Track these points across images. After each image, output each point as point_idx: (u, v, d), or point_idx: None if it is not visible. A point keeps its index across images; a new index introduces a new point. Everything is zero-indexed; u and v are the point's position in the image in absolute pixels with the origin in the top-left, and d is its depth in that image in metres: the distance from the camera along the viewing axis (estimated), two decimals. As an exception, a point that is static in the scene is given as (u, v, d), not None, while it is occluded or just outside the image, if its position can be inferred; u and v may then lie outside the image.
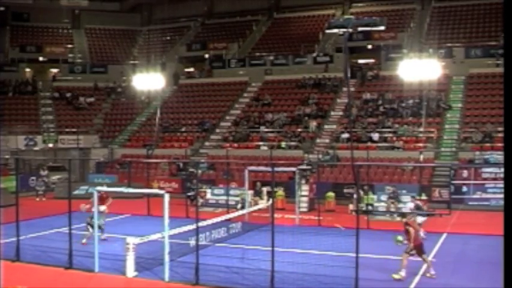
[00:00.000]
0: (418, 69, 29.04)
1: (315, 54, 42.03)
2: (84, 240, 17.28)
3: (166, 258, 13.81)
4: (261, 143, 34.06)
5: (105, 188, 18.73)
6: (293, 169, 24.00)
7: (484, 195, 25.77)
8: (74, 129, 38.44)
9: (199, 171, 28.56)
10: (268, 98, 38.72)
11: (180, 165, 32.21)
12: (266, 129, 35.35)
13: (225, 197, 25.13)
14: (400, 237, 14.17)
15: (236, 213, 20.51)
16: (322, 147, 32.47)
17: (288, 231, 18.20)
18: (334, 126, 34.36)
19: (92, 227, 17.59)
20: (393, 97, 35.34)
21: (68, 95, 42.90)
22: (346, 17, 27.28)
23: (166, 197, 13.93)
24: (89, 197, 17.33)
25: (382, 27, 23.80)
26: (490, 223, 19.94)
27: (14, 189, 19.10)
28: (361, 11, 44.19)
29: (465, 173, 26.98)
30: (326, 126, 34.85)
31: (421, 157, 28.71)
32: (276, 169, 21.09)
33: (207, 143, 36.21)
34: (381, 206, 23.94)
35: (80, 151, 36.76)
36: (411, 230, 13.99)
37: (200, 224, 14.59)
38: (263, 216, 19.28)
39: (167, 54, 48.22)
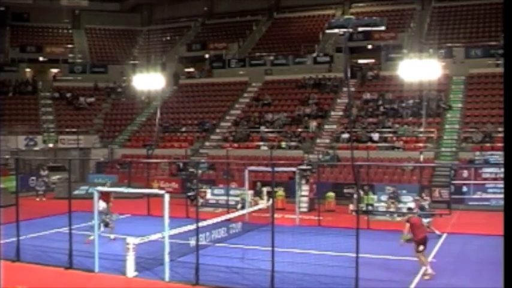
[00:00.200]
0: (418, 69, 29.04)
1: (315, 54, 42.03)
2: (112, 236, 17.54)
3: (167, 258, 13.81)
4: (261, 143, 34.06)
5: (105, 188, 18.74)
6: (293, 169, 24.01)
7: (484, 195, 25.77)
8: (74, 129, 38.43)
9: (200, 171, 28.56)
10: (269, 98, 38.72)
11: (180, 165, 32.22)
12: (266, 129, 35.34)
13: (225, 197, 25.13)
14: (408, 235, 14.18)
15: (236, 213, 20.51)
16: (322, 147, 32.46)
17: (288, 231, 18.19)
18: (335, 126, 34.36)
19: (106, 225, 17.81)
20: (393, 97, 35.34)
21: (68, 95, 42.91)
22: (346, 17, 27.23)
23: (167, 197, 13.93)
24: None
25: (382, 27, 23.76)
26: (490, 223, 19.92)
27: (14, 189, 19.10)
28: (361, 11, 44.20)
29: (465, 173, 26.97)
30: (326, 126, 34.85)
31: (421, 157, 28.70)
32: (276, 169, 21.09)
33: (207, 143, 36.21)
34: (381, 206, 23.94)
35: (80, 151, 36.74)
36: (407, 225, 14.00)
37: (200, 224, 14.59)
38: (263, 216, 19.27)
39: (167, 54, 48.24)
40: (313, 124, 34.57)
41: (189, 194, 24.93)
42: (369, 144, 31.27)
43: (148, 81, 34.76)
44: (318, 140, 33.56)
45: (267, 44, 46.29)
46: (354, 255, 12.35)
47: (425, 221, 18.47)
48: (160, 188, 27.71)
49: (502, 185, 22.41)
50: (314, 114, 35.80)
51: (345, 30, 19.85)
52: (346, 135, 31.65)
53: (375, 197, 24.43)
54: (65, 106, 42.44)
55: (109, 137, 39.68)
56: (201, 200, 22.90)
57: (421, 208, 19.43)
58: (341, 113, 35.52)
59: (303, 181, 24.97)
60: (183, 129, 38.00)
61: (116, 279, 14.02)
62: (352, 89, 35.46)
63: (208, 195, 26.81)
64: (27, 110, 41.56)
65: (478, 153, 28.41)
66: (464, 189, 26.25)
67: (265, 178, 26.56)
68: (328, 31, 27.98)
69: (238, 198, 25.09)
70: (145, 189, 24.74)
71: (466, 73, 36.11)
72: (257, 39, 47.67)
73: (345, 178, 28.83)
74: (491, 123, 30.80)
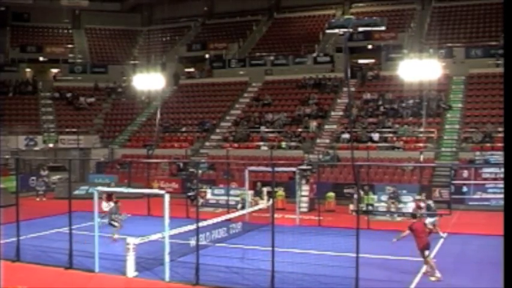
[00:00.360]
0: (419, 69, 29.05)
1: (315, 55, 42.03)
2: (115, 236, 17.66)
3: (167, 258, 13.81)
4: (261, 143, 34.05)
5: (105, 188, 18.75)
6: (293, 169, 24.02)
7: (484, 196, 25.77)
8: (74, 130, 38.45)
9: (200, 171, 28.55)
10: (269, 98, 38.72)
11: (180, 165, 32.21)
12: (266, 130, 35.34)
13: (225, 197, 25.14)
14: (401, 236, 14.20)
15: (236, 213, 20.53)
16: (323, 147, 32.46)
17: (288, 231, 18.19)
18: (335, 127, 34.36)
19: (112, 225, 17.86)
20: (393, 97, 35.34)
21: (68, 95, 42.91)
22: (346, 17, 27.19)
23: (167, 197, 13.93)
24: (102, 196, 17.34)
25: (382, 28, 23.74)
26: (490, 223, 19.92)
27: (14, 189, 19.09)
28: (361, 11, 44.21)
29: (465, 173, 26.97)
30: (326, 127, 34.84)
31: (422, 157, 28.71)
32: (276, 169, 21.07)
33: (207, 143, 36.21)
34: (381, 206, 23.97)
35: (80, 151, 36.73)
36: (407, 232, 14.03)
37: (200, 224, 14.59)
38: (263, 216, 19.27)
39: (167, 54, 48.24)
40: (313, 124, 34.57)
41: (189, 194, 24.95)
42: (369, 144, 31.27)
43: (149, 81, 34.76)
44: (318, 140, 33.55)
45: (267, 44, 46.30)
46: (354, 255, 12.35)
47: (430, 220, 18.53)
48: (160, 188, 27.71)
49: (502, 185, 22.41)
50: (314, 114, 35.81)
51: (345, 30, 19.82)
52: (346, 135, 31.65)
53: (375, 197, 24.44)
54: (65, 106, 42.44)
55: (109, 137, 39.69)
56: (201, 200, 22.90)
57: (428, 208, 19.43)
58: (341, 113, 35.52)
59: (303, 181, 24.97)
60: (183, 129, 38.00)
61: (116, 279, 14.03)
62: (352, 89, 35.47)
63: (209, 195, 26.83)
64: (27, 110, 41.57)
65: (478, 153, 28.40)
66: (465, 189, 26.25)
67: (265, 178, 26.56)
68: (328, 31, 27.94)
69: (238, 198, 25.10)
70: (145, 189, 24.74)
71: (466, 73, 36.11)
72: (257, 39, 47.67)
73: (345, 178, 28.83)
74: (491, 123, 30.79)
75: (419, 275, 13.91)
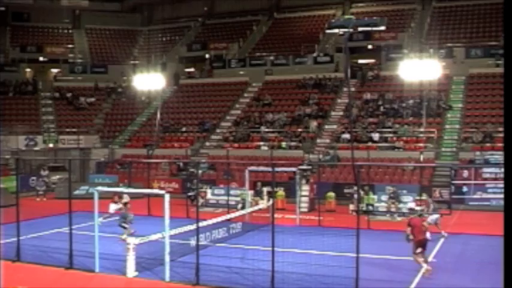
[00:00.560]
0: (419, 69, 29.07)
1: (315, 55, 42.02)
2: (123, 236, 17.57)
3: (167, 258, 13.81)
4: (261, 143, 34.05)
5: (105, 188, 18.74)
6: (293, 169, 24.03)
7: (485, 196, 25.78)
8: (74, 130, 38.46)
9: (200, 172, 28.56)
10: (269, 98, 38.72)
11: (180, 166, 32.21)
12: (266, 130, 35.34)
13: (225, 197, 25.10)
14: (410, 236, 14.26)
15: (236, 214, 20.51)
16: (323, 147, 32.46)
17: (288, 232, 18.21)
18: (335, 127, 34.35)
19: (124, 227, 17.89)
20: (394, 97, 35.34)
21: (69, 95, 42.91)
22: (346, 17, 27.32)
23: (167, 197, 13.93)
24: (103, 197, 17.26)
25: (382, 28, 23.89)
26: (490, 223, 19.92)
27: (14, 189, 19.12)
28: (361, 11, 44.27)
29: (465, 173, 26.97)
30: (326, 127, 34.84)
31: (422, 157, 28.72)
32: (277, 169, 21.08)
33: (207, 143, 36.20)
34: (382, 206, 23.96)
35: (81, 151, 36.73)
36: (408, 229, 14.11)
37: (200, 224, 14.60)
38: (263, 217, 19.26)
39: (167, 54, 48.25)
40: (314, 124, 34.57)
41: (190, 194, 24.95)
42: (369, 144, 31.27)
43: (149, 81, 34.76)
44: (318, 140, 33.55)
45: (268, 44, 46.30)
46: (354, 255, 12.36)
47: (433, 218, 18.57)
48: (160, 188, 27.68)
49: (502, 185, 22.41)
50: (314, 114, 35.80)
51: (345, 30, 19.92)
52: (346, 135, 31.63)
53: (375, 197, 24.45)
54: (65, 106, 42.44)
55: (109, 137, 39.68)
56: (201, 200, 22.92)
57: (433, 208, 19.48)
58: (341, 113, 35.52)
59: (303, 181, 24.99)
60: (184, 129, 38.00)
61: (116, 280, 14.03)
62: (353, 89, 35.47)
63: (209, 195, 26.84)
64: (28, 110, 41.57)
65: (478, 153, 28.40)
66: (465, 189, 26.26)
67: (265, 178, 26.54)
68: (328, 31, 28.10)
69: (238, 198, 25.09)
70: (145, 189, 24.74)
71: (466, 73, 36.11)
72: (257, 39, 47.67)
73: (345, 178, 28.82)
74: (491, 123, 30.80)
75: (419, 275, 13.90)
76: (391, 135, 31.95)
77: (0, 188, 25.72)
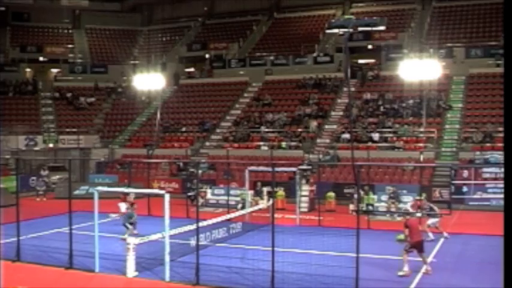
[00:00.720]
0: (419, 69, 29.06)
1: (315, 55, 42.02)
2: (125, 236, 17.49)
3: (167, 258, 13.82)
4: (261, 143, 34.05)
5: (105, 188, 18.72)
6: (293, 169, 24.03)
7: (485, 195, 25.78)
8: (74, 129, 38.47)
9: (200, 171, 28.55)
10: (269, 98, 38.72)
11: (180, 165, 32.21)
12: (266, 129, 35.34)
13: (225, 197, 25.10)
14: (401, 236, 14.29)
15: (236, 213, 20.50)
16: (323, 147, 32.46)
17: (288, 232, 18.21)
18: (335, 127, 34.36)
19: (127, 227, 17.88)
20: (393, 97, 35.34)
21: (69, 95, 42.92)
22: (346, 17, 27.31)
23: (167, 197, 13.94)
24: (103, 197, 17.19)
25: (382, 27, 23.88)
26: (490, 223, 19.92)
27: (14, 189, 19.12)
28: (361, 11, 44.25)
29: (465, 173, 26.97)
30: (326, 126, 34.84)
31: (422, 157, 28.72)
32: (277, 169, 21.08)
33: (207, 143, 36.21)
34: (382, 206, 23.98)
35: (81, 151, 36.74)
36: (406, 230, 14.15)
37: (200, 224, 14.60)
38: (263, 216, 19.26)
39: (167, 54, 48.26)
40: (314, 124, 34.57)
41: (190, 194, 24.95)
42: (369, 144, 31.27)
43: (149, 81, 34.75)
44: (318, 140, 33.55)
45: (267, 44, 46.30)
46: (354, 255, 12.36)
47: (433, 220, 18.57)
48: (160, 188, 27.68)
49: (502, 185, 22.41)
50: (314, 114, 35.80)
51: (345, 30, 19.91)
52: (346, 135, 31.63)
53: (375, 197, 24.45)
54: (65, 106, 42.44)
55: (109, 137, 39.69)
56: (201, 200, 22.91)
57: (431, 208, 19.45)
58: (341, 113, 35.52)
59: (303, 181, 24.99)
60: (184, 129, 38.00)
61: (116, 279, 14.03)
62: (353, 89, 35.47)
63: (209, 195, 26.85)
64: (28, 110, 41.57)
65: (478, 153, 28.41)
66: (465, 189, 26.26)
67: (265, 178, 26.53)
68: (328, 31, 28.08)
69: (238, 198, 25.09)
70: (145, 189, 24.74)
71: (466, 73, 36.11)
72: (257, 39, 47.67)
73: (345, 178, 28.82)
74: (491, 123, 30.80)
75: (420, 275, 13.91)
76: (391, 135, 31.96)
77: (0, 188, 25.71)
